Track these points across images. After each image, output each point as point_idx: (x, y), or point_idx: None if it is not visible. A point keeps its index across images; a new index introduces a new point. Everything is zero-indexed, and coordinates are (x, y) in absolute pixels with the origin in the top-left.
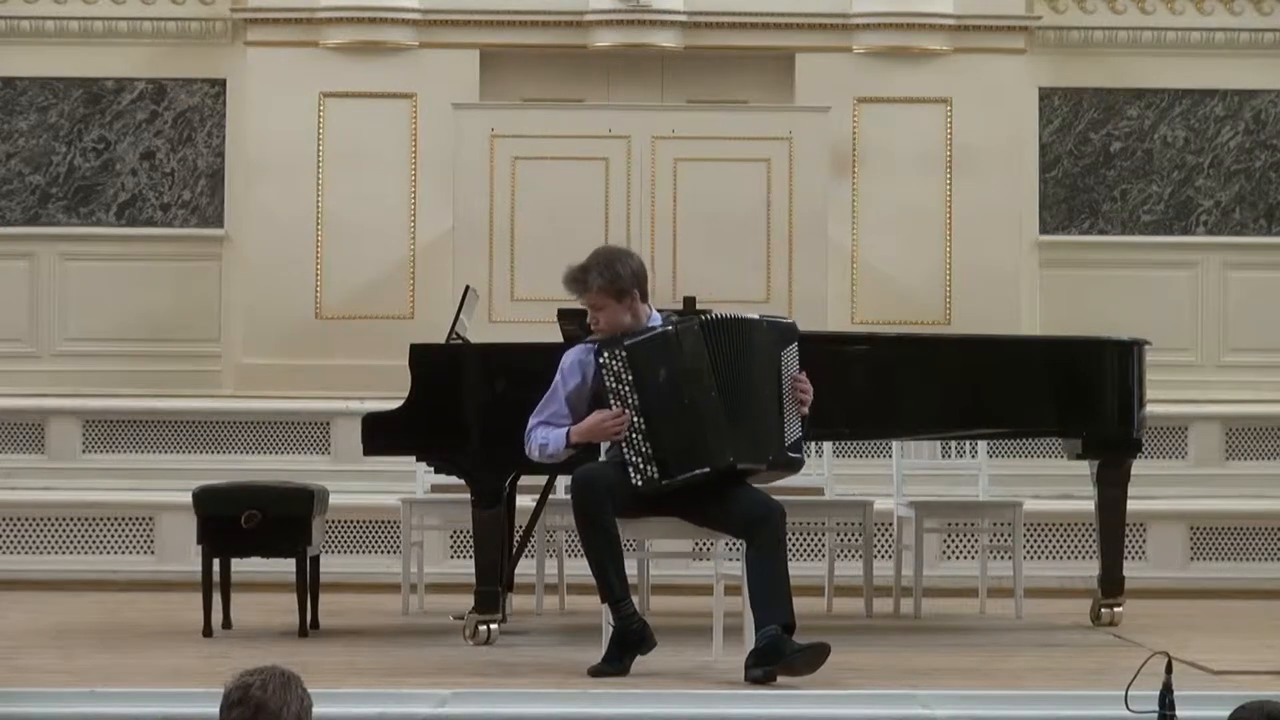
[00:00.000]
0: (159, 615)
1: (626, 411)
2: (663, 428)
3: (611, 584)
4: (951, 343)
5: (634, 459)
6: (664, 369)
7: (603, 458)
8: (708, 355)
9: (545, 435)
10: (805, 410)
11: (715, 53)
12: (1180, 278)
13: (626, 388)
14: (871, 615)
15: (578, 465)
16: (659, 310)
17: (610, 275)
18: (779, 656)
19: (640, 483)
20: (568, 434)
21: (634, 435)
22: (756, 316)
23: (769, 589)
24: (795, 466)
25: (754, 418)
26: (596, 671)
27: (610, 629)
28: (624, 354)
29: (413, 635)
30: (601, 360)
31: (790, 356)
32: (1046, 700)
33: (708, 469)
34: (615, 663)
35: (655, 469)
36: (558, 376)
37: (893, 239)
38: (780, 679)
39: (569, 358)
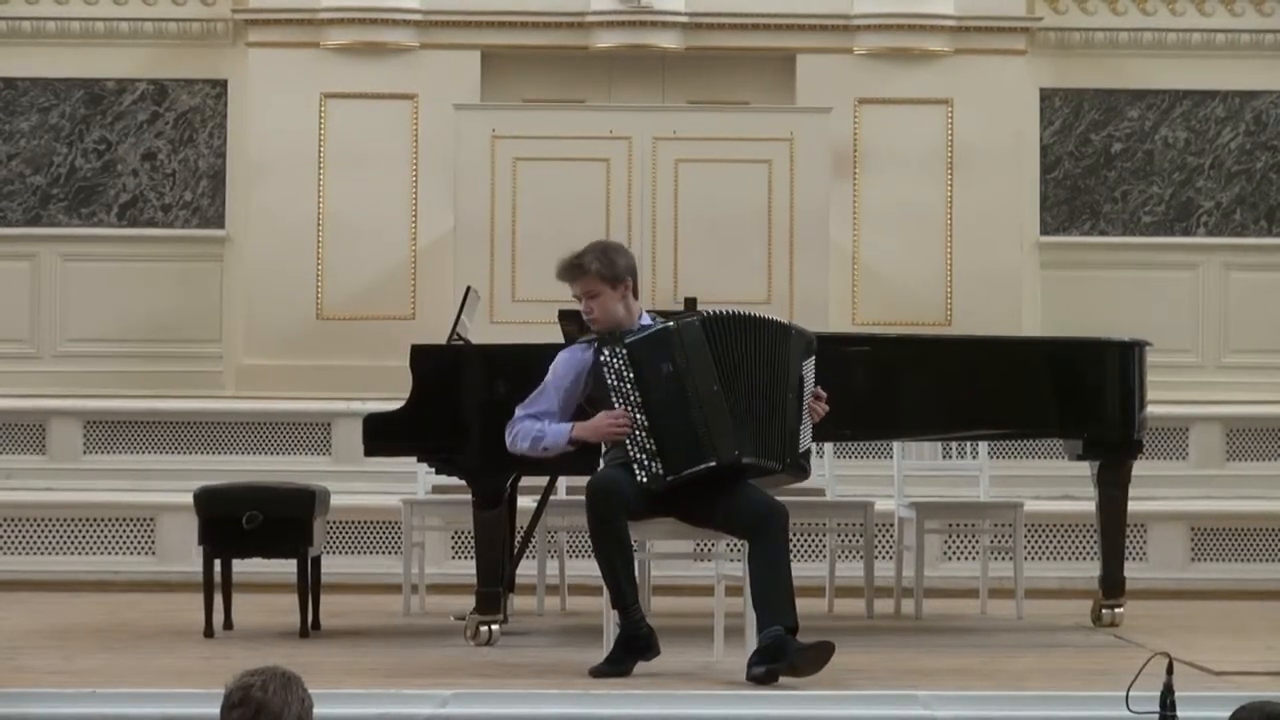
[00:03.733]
0: (160, 616)
1: (630, 413)
2: (666, 424)
3: (623, 590)
4: (952, 343)
5: (639, 456)
6: (666, 365)
7: (602, 460)
8: (710, 350)
9: (541, 429)
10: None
11: (716, 54)
12: (1181, 279)
13: (629, 385)
14: (872, 616)
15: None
16: (648, 310)
17: (606, 262)
18: (783, 655)
19: (646, 479)
20: (570, 431)
21: (638, 433)
22: (785, 321)
23: (772, 591)
24: (804, 474)
25: (763, 415)
26: (598, 672)
27: (616, 630)
28: (624, 351)
29: (414, 636)
30: (602, 358)
31: (809, 369)
32: (1047, 701)
33: (713, 463)
34: (617, 664)
35: (660, 465)
36: (550, 373)
37: (893, 240)
38: (781, 679)
39: (562, 357)
